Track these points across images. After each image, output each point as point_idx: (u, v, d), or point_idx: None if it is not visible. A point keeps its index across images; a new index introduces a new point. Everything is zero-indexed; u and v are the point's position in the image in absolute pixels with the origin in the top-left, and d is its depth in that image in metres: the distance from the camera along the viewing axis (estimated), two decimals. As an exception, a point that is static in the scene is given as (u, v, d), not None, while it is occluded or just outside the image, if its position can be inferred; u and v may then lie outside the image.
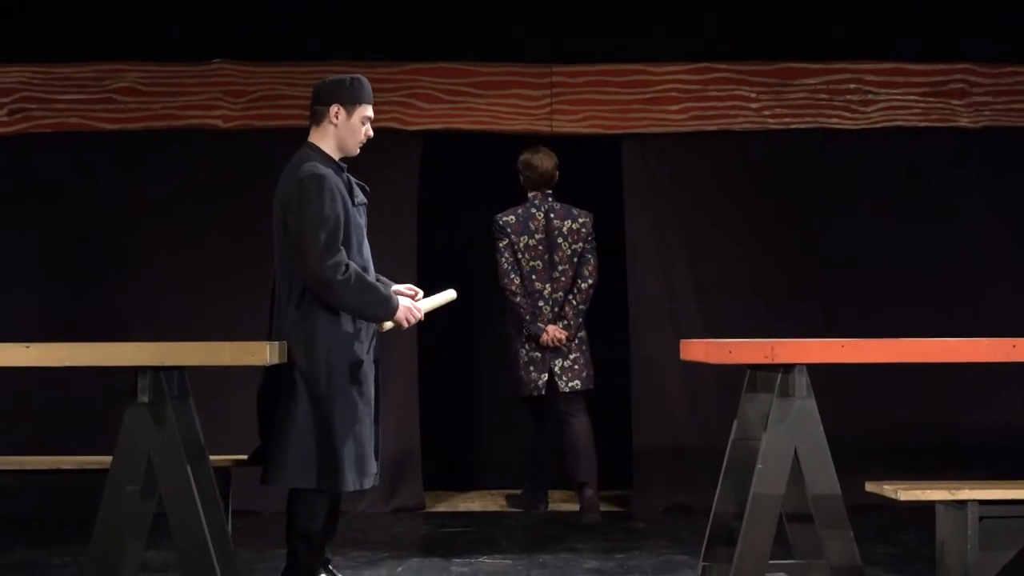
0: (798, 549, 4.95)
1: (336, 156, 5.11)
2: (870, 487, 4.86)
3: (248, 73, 7.81)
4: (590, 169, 8.51)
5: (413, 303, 5.14)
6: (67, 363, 4.58)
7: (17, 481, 5.92)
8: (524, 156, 7.53)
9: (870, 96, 7.89)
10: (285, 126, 7.76)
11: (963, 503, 4.52)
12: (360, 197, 5.15)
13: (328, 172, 5.00)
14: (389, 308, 5.01)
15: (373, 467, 5.10)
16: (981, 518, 4.52)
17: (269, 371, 5.05)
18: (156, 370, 4.58)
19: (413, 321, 5.11)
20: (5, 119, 7.75)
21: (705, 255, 7.86)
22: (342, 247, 4.95)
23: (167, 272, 7.72)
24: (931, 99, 7.90)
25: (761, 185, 7.89)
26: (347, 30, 7.88)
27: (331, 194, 4.95)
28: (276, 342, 4.79)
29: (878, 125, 7.89)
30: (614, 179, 8.04)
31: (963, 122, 7.90)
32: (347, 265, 4.94)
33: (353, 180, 5.15)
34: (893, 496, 4.64)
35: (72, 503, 7.29)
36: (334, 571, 5.24)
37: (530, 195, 7.53)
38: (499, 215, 7.51)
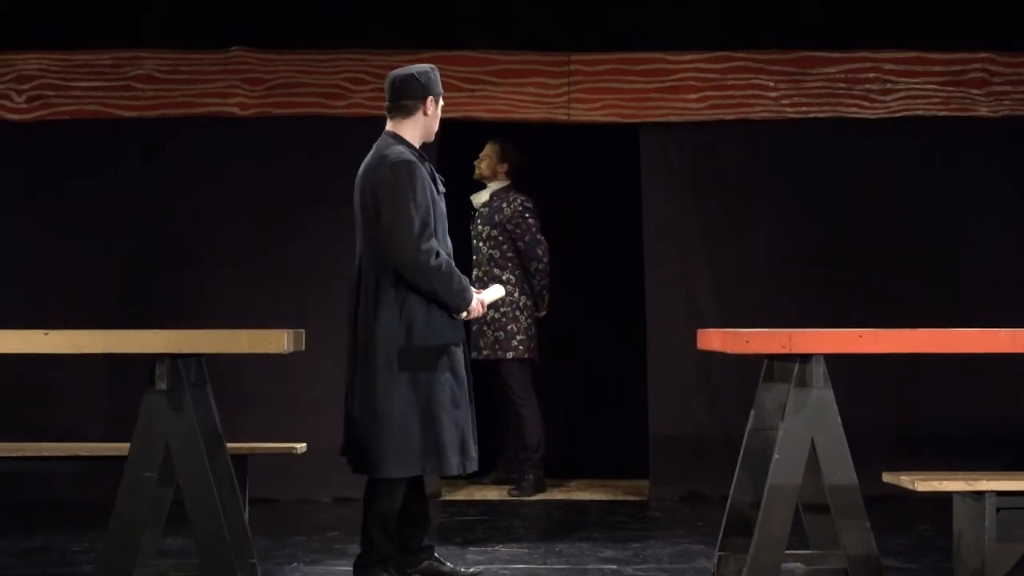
0: (815, 539, 4.95)
1: (418, 145, 5.22)
2: (887, 478, 4.86)
3: (266, 61, 7.82)
4: (608, 158, 8.51)
5: (478, 296, 5.21)
6: (86, 350, 4.60)
7: (36, 467, 5.95)
8: (510, 146, 7.96)
9: (889, 85, 7.86)
10: (303, 114, 7.77)
11: (980, 494, 4.51)
12: (441, 187, 5.24)
13: (416, 160, 5.10)
14: (468, 298, 5.12)
15: (474, 450, 5.18)
16: (999, 509, 4.52)
17: (358, 361, 5.06)
18: (174, 357, 4.60)
19: (477, 314, 5.21)
20: (24, 106, 7.76)
21: (722, 244, 7.84)
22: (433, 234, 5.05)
23: (184, 259, 7.74)
24: (951, 88, 7.87)
25: (779, 174, 7.87)
26: (365, 18, 7.88)
27: (422, 181, 5.06)
28: (296, 330, 4.79)
29: (897, 114, 7.86)
30: (632, 168, 8.03)
31: (983, 111, 7.87)
32: (438, 252, 5.04)
33: (433, 169, 5.23)
34: (910, 487, 4.63)
35: (90, 489, 7.34)
36: (440, 559, 5.28)
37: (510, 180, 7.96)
38: (528, 199, 7.90)
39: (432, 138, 5.30)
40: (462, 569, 5.32)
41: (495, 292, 5.38)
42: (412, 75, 5.17)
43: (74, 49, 7.78)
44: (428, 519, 5.30)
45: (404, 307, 5.03)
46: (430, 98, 5.19)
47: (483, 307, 5.22)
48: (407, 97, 5.17)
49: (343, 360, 7.60)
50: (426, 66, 5.25)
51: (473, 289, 5.19)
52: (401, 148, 5.12)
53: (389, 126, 5.22)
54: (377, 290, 5.05)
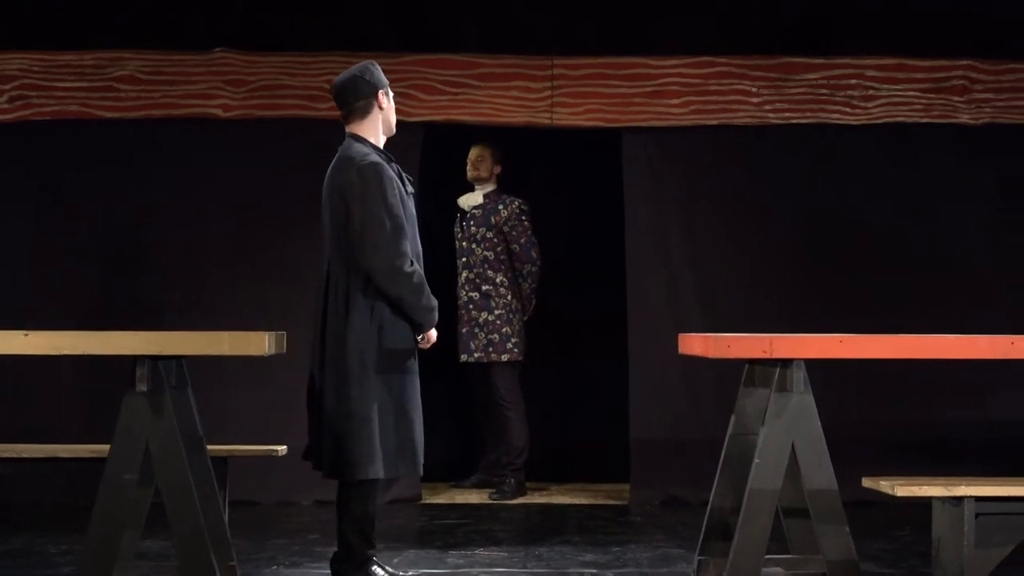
0: (794, 544, 4.96)
1: (382, 143, 5.22)
2: (867, 483, 4.87)
3: (249, 63, 7.80)
4: (590, 162, 8.51)
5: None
6: (66, 351, 4.58)
7: (15, 469, 5.92)
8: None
9: (871, 92, 7.88)
10: (286, 116, 7.76)
11: (960, 499, 4.52)
12: (410, 187, 5.23)
13: (383, 161, 5.10)
14: (432, 319, 5.12)
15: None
16: (977, 515, 4.53)
17: (327, 363, 5.04)
18: (155, 359, 4.59)
19: (431, 342, 5.20)
20: (5, 106, 7.74)
21: (704, 249, 7.85)
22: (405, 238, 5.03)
23: (167, 261, 7.72)
24: (932, 95, 7.89)
25: (761, 180, 7.89)
26: (349, 20, 7.87)
27: (391, 182, 5.05)
28: (277, 333, 4.78)
29: (879, 121, 7.88)
30: (614, 172, 8.04)
31: (964, 119, 7.90)
32: (412, 260, 5.04)
33: (400, 169, 5.21)
34: (890, 492, 4.64)
35: (70, 491, 7.31)
36: (382, 563, 5.24)
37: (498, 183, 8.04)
38: (524, 202, 8.00)
39: (393, 131, 5.28)
40: (400, 572, 5.29)
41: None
42: (356, 75, 5.17)
43: (56, 49, 7.76)
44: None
45: (375, 309, 5.02)
46: (380, 92, 5.18)
47: (434, 339, 5.20)
48: (358, 97, 5.16)
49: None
50: (365, 63, 5.24)
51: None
52: (366, 149, 5.11)
53: (349, 130, 5.21)
54: (348, 292, 5.04)
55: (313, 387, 5.14)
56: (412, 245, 5.10)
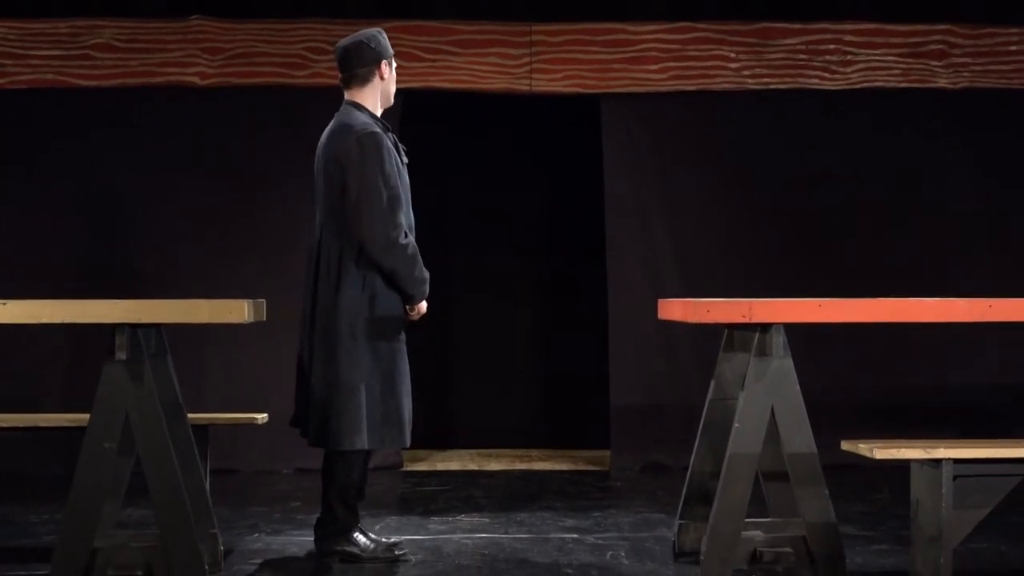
0: (774, 507, 4.98)
1: (379, 112, 5.19)
2: (846, 446, 4.89)
3: (226, 30, 7.76)
4: (569, 128, 8.50)
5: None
6: (45, 320, 4.56)
7: (-6, 438, 5.92)
8: None
9: (850, 57, 7.88)
10: (263, 83, 7.73)
11: (938, 462, 4.55)
12: (404, 157, 5.20)
13: (381, 131, 5.06)
14: (424, 291, 5.09)
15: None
16: (955, 477, 4.55)
17: (317, 331, 5.02)
18: (134, 327, 4.57)
19: (420, 314, 5.16)
20: (-20, 75, 7.69)
21: (683, 214, 7.86)
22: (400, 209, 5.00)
23: (144, 229, 7.69)
24: (910, 60, 7.90)
25: (740, 145, 7.89)
26: (326, -13, 7.83)
27: (389, 153, 5.02)
28: (256, 300, 4.77)
29: (857, 86, 7.89)
30: (593, 138, 8.03)
31: (942, 83, 7.91)
32: (406, 232, 5.01)
33: (396, 139, 5.19)
34: (868, 455, 4.66)
35: (50, 461, 7.30)
36: (365, 530, 5.25)
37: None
38: None
39: (391, 102, 5.26)
40: (383, 539, 5.29)
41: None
42: (362, 41, 5.13)
43: (31, 17, 7.70)
44: (363, 493, 5.25)
45: (366, 279, 5.01)
46: (384, 62, 5.15)
47: (424, 311, 5.17)
48: (361, 64, 5.13)
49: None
50: (373, 30, 5.21)
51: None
52: (365, 118, 5.08)
53: (348, 96, 5.18)
54: (340, 262, 5.01)
55: (303, 355, 5.13)
56: (406, 216, 5.09)
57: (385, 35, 5.22)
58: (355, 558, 5.12)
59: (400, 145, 5.21)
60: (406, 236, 5.02)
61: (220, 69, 7.75)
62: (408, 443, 5.11)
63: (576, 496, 6.80)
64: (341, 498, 5.11)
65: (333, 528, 5.14)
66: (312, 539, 5.25)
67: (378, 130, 5.05)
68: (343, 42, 5.18)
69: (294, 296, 7.58)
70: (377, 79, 5.15)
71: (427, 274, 5.10)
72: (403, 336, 5.10)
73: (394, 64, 5.23)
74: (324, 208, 5.10)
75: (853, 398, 7.64)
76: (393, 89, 5.24)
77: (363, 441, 4.99)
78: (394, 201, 4.99)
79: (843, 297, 4.85)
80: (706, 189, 7.87)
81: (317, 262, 5.09)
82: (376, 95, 5.17)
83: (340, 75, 5.18)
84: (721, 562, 4.62)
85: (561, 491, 6.98)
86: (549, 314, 8.70)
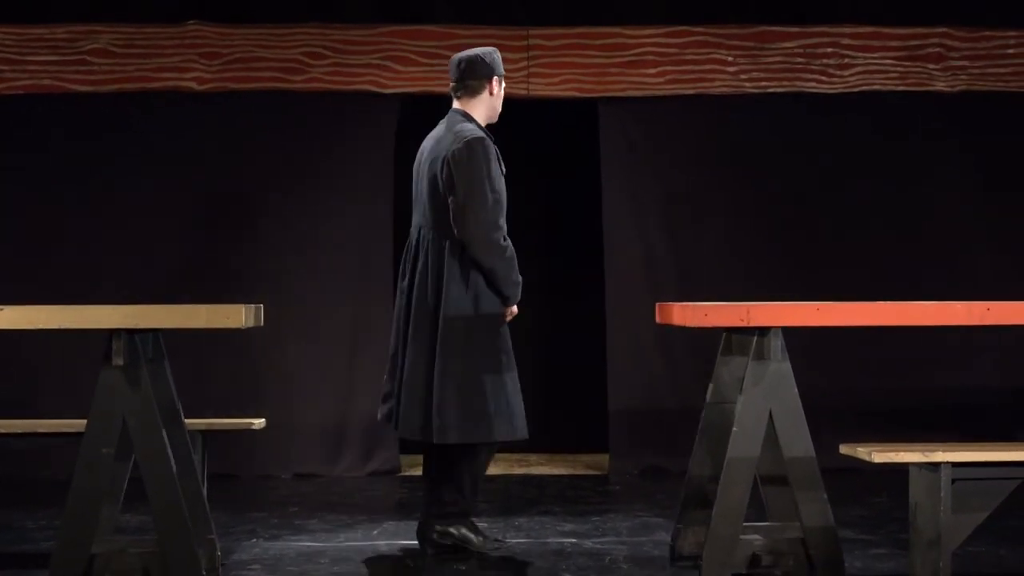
0: (772, 511, 4.98)
1: (484, 124, 5.38)
2: (844, 449, 4.89)
3: (223, 35, 7.76)
4: (567, 132, 8.50)
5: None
6: (42, 325, 4.56)
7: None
8: None
9: (847, 60, 7.89)
10: (260, 88, 7.73)
11: (936, 465, 4.55)
12: (503, 166, 5.38)
13: (489, 138, 5.28)
14: (517, 294, 5.30)
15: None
16: (954, 480, 4.55)
17: (420, 330, 5.17)
18: (131, 332, 4.57)
19: (510, 318, 5.33)
20: (-23, 80, 7.69)
21: (681, 218, 7.86)
22: None
23: (140, 233, 7.69)
24: (908, 63, 7.90)
25: (737, 149, 7.89)
26: (323, -9, 7.83)
27: (495, 158, 5.24)
28: (254, 305, 4.77)
29: (855, 89, 7.89)
30: (591, 142, 8.03)
31: (940, 86, 7.91)
32: (506, 235, 5.22)
33: (497, 151, 5.35)
34: (867, 458, 4.66)
35: (48, 466, 7.30)
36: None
37: None
38: None
39: (496, 118, 5.45)
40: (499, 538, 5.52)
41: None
42: (478, 56, 5.36)
43: (28, 23, 7.70)
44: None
45: (470, 279, 5.19)
46: (495, 78, 5.37)
47: (514, 313, 5.38)
48: (473, 77, 5.35)
49: (302, 335, 7.67)
50: (489, 48, 5.44)
51: None
52: (472, 126, 5.29)
53: (457, 104, 5.39)
54: (443, 260, 5.19)
55: (396, 352, 5.29)
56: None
57: (499, 54, 5.43)
58: (468, 543, 5.32)
59: (500, 157, 5.37)
60: (506, 239, 5.22)
61: (218, 74, 7.74)
62: (526, 434, 5.28)
63: (575, 500, 6.80)
64: (472, 485, 5.29)
65: (454, 510, 5.30)
66: (309, 542, 5.25)
67: (486, 136, 5.25)
68: (461, 54, 5.41)
69: (292, 300, 7.63)
70: (487, 93, 5.37)
71: (521, 278, 5.28)
72: (507, 331, 5.28)
73: (503, 84, 5.43)
74: (429, 208, 5.28)
75: (852, 401, 7.63)
76: (499, 105, 5.44)
77: (492, 434, 5.15)
78: (498, 205, 5.20)
79: (841, 300, 4.85)
80: (704, 192, 7.87)
81: (415, 260, 5.27)
82: (484, 108, 5.39)
83: (451, 84, 5.40)
84: (720, 566, 4.62)
85: (560, 495, 6.98)
86: (547, 318, 8.69)
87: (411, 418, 5.21)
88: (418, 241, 5.32)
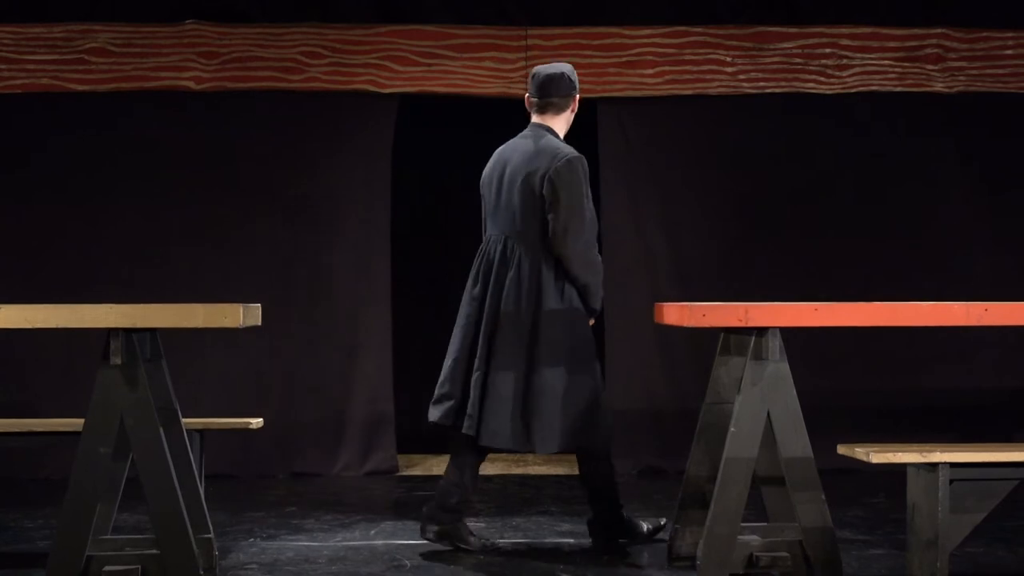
0: (770, 512, 4.98)
1: (563, 138, 5.42)
2: (842, 450, 4.88)
3: (221, 34, 7.75)
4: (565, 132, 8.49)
5: None
6: (39, 324, 4.55)
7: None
8: None
9: (845, 61, 7.89)
10: (258, 88, 7.72)
11: (934, 466, 4.55)
12: None
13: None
14: (600, 307, 5.41)
15: None
16: (952, 480, 4.55)
17: (512, 340, 5.23)
18: (128, 332, 4.56)
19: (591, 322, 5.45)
20: (-25, 79, 7.68)
21: (680, 218, 7.86)
22: None
23: (138, 234, 7.68)
24: (906, 64, 7.90)
25: (736, 149, 7.89)
26: (321, -9, 7.83)
27: (588, 177, 5.29)
28: (251, 305, 4.76)
29: (853, 90, 7.89)
30: (589, 142, 8.02)
31: (938, 87, 7.91)
32: (598, 252, 5.34)
33: None
34: (865, 459, 4.66)
35: (45, 465, 7.30)
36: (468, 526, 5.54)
37: None
38: None
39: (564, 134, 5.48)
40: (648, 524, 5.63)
41: None
42: (564, 73, 5.36)
43: (26, 22, 7.69)
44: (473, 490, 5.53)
45: (564, 291, 5.28)
46: (577, 95, 5.41)
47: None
48: (559, 94, 5.37)
49: (300, 336, 7.66)
50: (568, 64, 5.42)
51: None
52: (562, 143, 5.33)
53: (536, 119, 5.40)
54: (539, 274, 5.24)
55: (461, 360, 5.33)
56: None
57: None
58: (466, 543, 5.41)
59: None
60: (599, 255, 5.33)
61: (215, 73, 7.74)
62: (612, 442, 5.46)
63: (572, 500, 6.79)
64: (613, 486, 5.44)
65: (614, 513, 5.48)
66: (307, 542, 5.24)
67: (582, 156, 5.29)
68: (546, 69, 5.38)
69: (290, 300, 7.62)
70: (569, 110, 5.42)
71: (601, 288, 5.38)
72: (595, 343, 5.39)
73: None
74: (521, 220, 5.29)
75: (850, 402, 7.63)
76: (572, 121, 5.47)
77: (589, 441, 5.28)
78: (593, 223, 5.28)
79: (839, 301, 4.84)
80: (702, 192, 7.87)
81: (496, 270, 5.30)
82: (565, 124, 5.44)
83: (535, 99, 5.39)
84: (717, 566, 4.62)
85: (557, 495, 6.97)
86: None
87: (499, 428, 5.23)
88: (502, 251, 5.32)
